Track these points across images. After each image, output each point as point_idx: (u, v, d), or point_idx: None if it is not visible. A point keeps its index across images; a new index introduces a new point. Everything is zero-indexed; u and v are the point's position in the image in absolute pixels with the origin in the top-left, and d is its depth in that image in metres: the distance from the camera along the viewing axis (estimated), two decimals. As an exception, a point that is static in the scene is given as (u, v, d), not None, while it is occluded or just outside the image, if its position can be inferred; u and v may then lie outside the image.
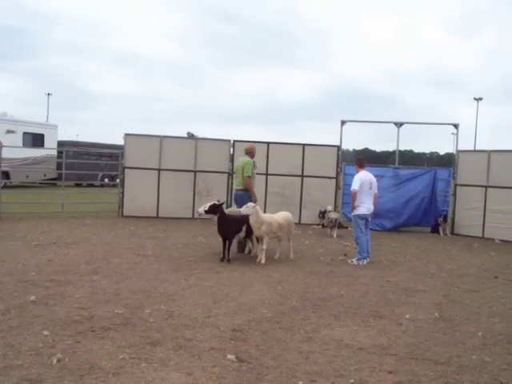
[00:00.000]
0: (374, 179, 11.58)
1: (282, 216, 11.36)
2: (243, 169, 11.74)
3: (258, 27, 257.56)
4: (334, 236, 15.14)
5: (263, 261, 10.69)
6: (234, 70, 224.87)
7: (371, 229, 12.33)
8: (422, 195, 17.56)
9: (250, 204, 10.72)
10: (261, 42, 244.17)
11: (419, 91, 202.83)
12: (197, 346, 5.67)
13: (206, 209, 10.85)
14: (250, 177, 11.76)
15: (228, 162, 18.53)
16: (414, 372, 5.22)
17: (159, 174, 18.01)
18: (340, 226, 16.35)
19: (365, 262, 11.15)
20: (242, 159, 12.09)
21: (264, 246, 10.79)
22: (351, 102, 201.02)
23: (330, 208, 16.48)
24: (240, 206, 11.41)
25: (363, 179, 11.33)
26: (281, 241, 11.47)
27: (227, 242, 10.72)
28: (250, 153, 12.12)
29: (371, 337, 6.30)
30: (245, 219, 10.76)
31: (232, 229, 10.76)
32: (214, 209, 10.79)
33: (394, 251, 13.12)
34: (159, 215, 17.84)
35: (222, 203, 11.07)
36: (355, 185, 11.28)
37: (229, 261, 10.56)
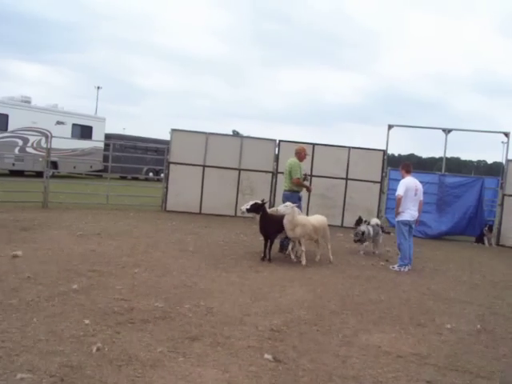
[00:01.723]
0: (419, 185, 11.41)
1: (317, 219, 11.26)
2: (290, 171, 11.73)
3: (305, 27, 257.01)
4: (361, 253, 12.71)
5: (303, 262, 10.64)
6: (280, 69, 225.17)
7: (414, 236, 12.16)
8: (468, 204, 17.27)
9: (289, 204, 10.65)
10: (307, 43, 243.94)
11: (468, 97, 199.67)
12: (234, 344, 5.68)
13: (248, 207, 10.87)
14: (299, 178, 11.75)
15: (273, 162, 18.52)
16: (454, 383, 5.13)
17: (204, 170, 18.14)
18: (381, 232, 16.22)
19: (406, 268, 11.00)
20: (289, 161, 12.07)
21: (303, 248, 10.74)
22: (396, 106, 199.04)
23: (374, 221, 13.85)
24: None
25: (409, 185, 11.18)
26: (318, 243, 11.38)
27: (269, 241, 10.71)
28: (298, 154, 12.07)
29: (410, 345, 6.21)
30: None
31: (273, 228, 10.70)
32: (257, 208, 10.79)
33: (436, 259, 12.91)
34: (202, 211, 17.96)
35: (265, 202, 11.04)
36: (400, 190, 11.13)
37: (269, 260, 10.55)
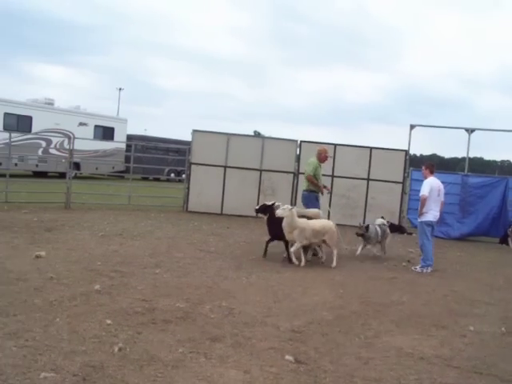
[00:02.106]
0: (442, 186, 11.32)
1: (320, 223, 10.85)
2: (307, 169, 11.77)
3: (326, 27, 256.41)
4: (357, 253, 12.05)
5: (296, 262, 10.39)
6: (301, 68, 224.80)
7: (437, 237, 12.06)
8: (492, 204, 17.07)
9: (287, 206, 10.48)
10: (328, 42, 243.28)
11: (492, 95, 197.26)
12: (255, 345, 5.67)
13: (257, 208, 10.89)
14: (312, 175, 11.78)
15: (294, 162, 18.50)
16: (477, 386, 5.07)
17: (225, 171, 18.17)
18: (403, 232, 16.21)
19: (429, 269, 10.91)
20: (308, 160, 12.09)
21: (292, 249, 10.45)
22: (418, 105, 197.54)
23: (379, 221, 12.98)
24: (306, 206, 11.69)
25: (433, 185, 11.08)
26: (321, 247, 11.19)
27: (284, 242, 10.65)
28: (319, 155, 12.07)
29: (433, 347, 6.15)
30: None
31: (281, 230, 10.46)
32: (264, 209, 10.82)
33: (459, 261, 12.79)
34: (223, 212, 18.00)
35: (273, 204, 10.94)
36: (425, 190, 11.02)
37: (290, 261, 10.50)
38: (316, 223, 10.76)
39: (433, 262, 11.11)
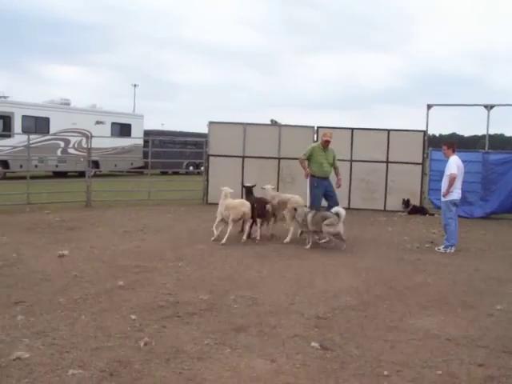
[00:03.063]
0: (462, 164, 11.20)
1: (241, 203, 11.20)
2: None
3: (336, 11, 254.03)
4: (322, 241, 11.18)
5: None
6: (314, 55, 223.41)
7: (459, 216, 11.92)
8: (514, 181, 16.82)
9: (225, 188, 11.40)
10: (340, 27, 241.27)
11: (508, 70, 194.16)
12: (281, 333, 5.66)
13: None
14: (305, 159, 12.06)
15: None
16: (508, 366, 4.99)
17: (243, 161, 18.14)
18: (424, 213, 16.17)
19: (453, 249, 10.81)
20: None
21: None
22: (435, 85, 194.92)
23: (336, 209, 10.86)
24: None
25: (457, 163, 10.96)
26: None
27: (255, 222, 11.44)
28: (321, 139, 12.27)
29: (460, 327, 6.09)
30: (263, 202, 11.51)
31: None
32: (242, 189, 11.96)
33: (483, 239, 12.66)
34: (243, 202, 17.95)
35: (252, 186, 12.19)
36: (453, 168, 10.84)
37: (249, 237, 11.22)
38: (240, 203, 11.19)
39: (457, 241, 11.01)
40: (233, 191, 11.60)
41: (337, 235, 10.64)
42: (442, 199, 11.20)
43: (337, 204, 11.59)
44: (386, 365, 4.92)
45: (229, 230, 10.76)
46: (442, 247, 10.92)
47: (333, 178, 12.28)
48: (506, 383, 4.64)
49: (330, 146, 12.09)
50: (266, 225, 11.82)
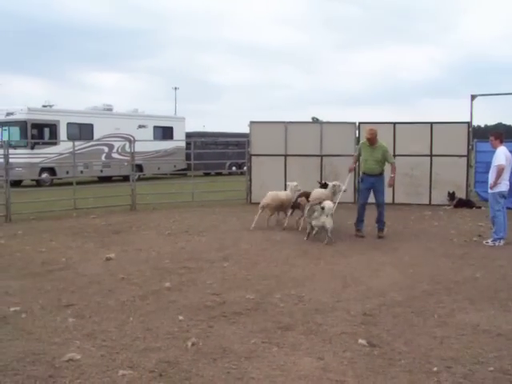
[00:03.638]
0: (511, 155, 10.95)
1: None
2: None
3: (374, 5, 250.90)
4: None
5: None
6: (353, 51, 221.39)
7: (508, 208, 11.66)
8: None
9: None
10: (378, 21, 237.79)
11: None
12: (327, 331, 5.65)
13: None
14: (355, 155, 12.75)
15: (354, 145, 18.26)
16: (560, 359, 4.89)
17: (285, 159, 18.11)
18: (471, 206, 15.89)
19: (502, 242, 10.59)
20: None
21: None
22: (479, 75, 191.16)
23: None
24: None
25: (506, 154, 10.73)
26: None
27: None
28: None
29: (511, 322, 5.97)
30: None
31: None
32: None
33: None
34: (287, 201, 17.92)
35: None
36: (501, 159, 10.62)
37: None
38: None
39: (506, 234, 10.79)
40: (296, 184, 13.20)
41: (322, 228, 10.84)
42: (490, 191, 10.97)
43: (380, 202, 11.53)
44: (436, 361, 4.86)
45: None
46: (490, 240, 10.70)
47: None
48: (561, 378, 4.52)
49: (382, 143, 11.93)
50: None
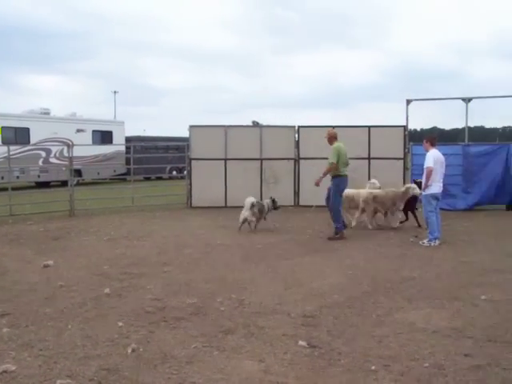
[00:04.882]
0: (443, 158, 11.32)
1: None
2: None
3: (313, 10, 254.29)
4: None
5: None
6: (293, 55, 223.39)
7: (442, 209, 12.04)
8: (495, 172, 16.96)
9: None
10: (317, 25, 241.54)
11: (487, 63, 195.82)
12: (268, 333, 5.68)
13: None
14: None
15: (294, 148, 18.45)
16: (493, 355, 5.06)
17: (225, 163, 18.12)
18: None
19: (437, 242, 10.90)
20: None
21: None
22: (414, 80, 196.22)
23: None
24: None
25: (436, 157, 11.07)
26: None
27: None
28: None
29: (446, 319, 6.15)
30: None
31: None
32: None
33: (467, 231, 12.76)
34: (227, 205, 17.92)
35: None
36: (430, 162, 10.99)
37: None
38: None
39: (440, 234, 11.11)
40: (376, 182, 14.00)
41: (245, 220, 12.75)
42: (422, 193, 11.34)
43: (330, 204, 12.10)
44: (374, 360, 4.96)
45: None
46: (426, 241, 11.01)
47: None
48: (493, 372, 4.69)
49: (335, 144, 12.17)
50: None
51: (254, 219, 12.78)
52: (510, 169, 17.04)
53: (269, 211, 13.26)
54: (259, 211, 12.83)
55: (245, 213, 12.65)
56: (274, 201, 13.44)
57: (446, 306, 6.67)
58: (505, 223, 14.25)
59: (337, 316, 6.30)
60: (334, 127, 17.87)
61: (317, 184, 11.95)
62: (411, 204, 13.28)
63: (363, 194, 13.50)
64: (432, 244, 10.86)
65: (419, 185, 12.32)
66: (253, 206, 12.71)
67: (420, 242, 11.05)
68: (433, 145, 11.41)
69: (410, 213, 13.68)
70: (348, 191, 12.95)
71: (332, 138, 12.11)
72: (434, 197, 11.12)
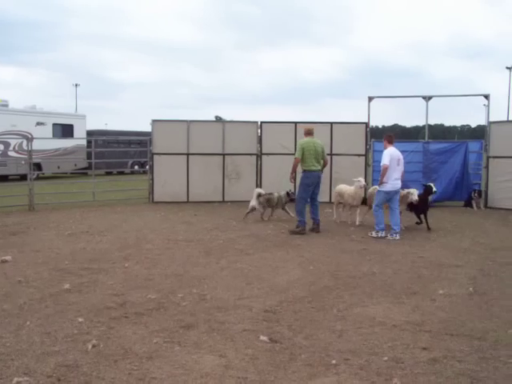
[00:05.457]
0: (401, 156, 11.54)
1: None
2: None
3: (276, 6, 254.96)
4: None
5: None
6: (257, 50, 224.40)
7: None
8: (454, 169, 17.29)
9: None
10: (281, 21, 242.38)
11: (446, 62, 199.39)
12: (229, 329, 5.69)
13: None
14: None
15: (256, 144, 18.48)
16: (449, 348, 5.17)
17: (188, 158, 18.04)
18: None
19: (397, 237, 11.19)
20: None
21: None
22: (376, 78, 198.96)
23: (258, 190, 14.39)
24: None
25: (392, 155, 11.28)
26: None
27: None
28: None
29: (404, 313, 6.25)
30: None
31: None
32: None
33: (426, 227, 12.94)
34: (189, 200, 17.89)
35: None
36: (385, 160, 11.22)
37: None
38: None
39: (399, 227, 11.42)
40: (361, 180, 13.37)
41: (253, 209, 13.80)
42: (378, 188, 11.60)
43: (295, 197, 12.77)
44: (335, 354, 5.01)
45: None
46: (373, 232, 11.51)
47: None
48: (449, 364, 4.78)
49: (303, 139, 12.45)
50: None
51: (260, 208, 13.83)
52: (468, 166, 17.40)
53: (286, 203, 14.00)
54: (267, 202, 13.85)
55: (252, 202, 13.79)
56: (288, 193, 13.95)
57: (404, 301, 6.77)
58: (462, 219, 14.53)
59: (298, 311, 6.34)
60: (296, 123, 18.12)
61: (290, 180, 12.34)
62: (421, 207, 12.78)
63: (370, 192, 13.79)
64: (380, 235, 11.33)
65: (428, 188, 12.67)
66: (259, 196, 13.79)
67: (368, 234, 11.54)
68: (390, 142, 11.63)
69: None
70: (370, 191, 13.77)
71: (305, 134, 12.28)
72: (387, 193, 11.37)
